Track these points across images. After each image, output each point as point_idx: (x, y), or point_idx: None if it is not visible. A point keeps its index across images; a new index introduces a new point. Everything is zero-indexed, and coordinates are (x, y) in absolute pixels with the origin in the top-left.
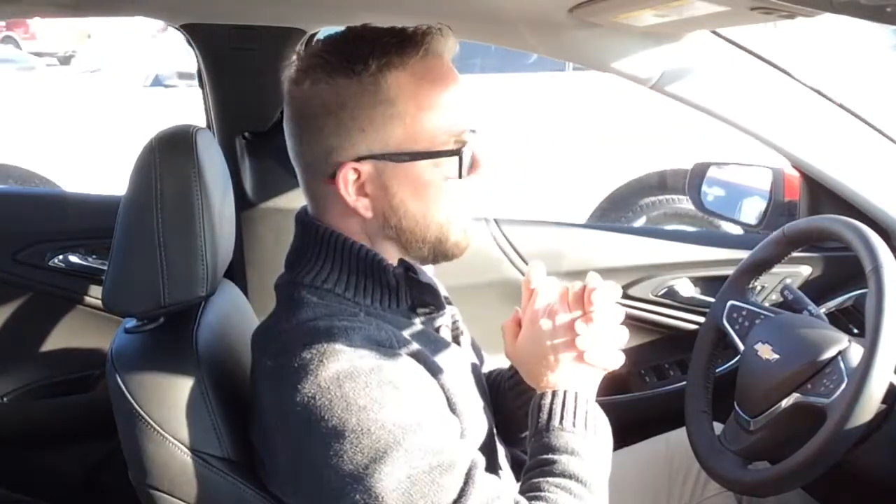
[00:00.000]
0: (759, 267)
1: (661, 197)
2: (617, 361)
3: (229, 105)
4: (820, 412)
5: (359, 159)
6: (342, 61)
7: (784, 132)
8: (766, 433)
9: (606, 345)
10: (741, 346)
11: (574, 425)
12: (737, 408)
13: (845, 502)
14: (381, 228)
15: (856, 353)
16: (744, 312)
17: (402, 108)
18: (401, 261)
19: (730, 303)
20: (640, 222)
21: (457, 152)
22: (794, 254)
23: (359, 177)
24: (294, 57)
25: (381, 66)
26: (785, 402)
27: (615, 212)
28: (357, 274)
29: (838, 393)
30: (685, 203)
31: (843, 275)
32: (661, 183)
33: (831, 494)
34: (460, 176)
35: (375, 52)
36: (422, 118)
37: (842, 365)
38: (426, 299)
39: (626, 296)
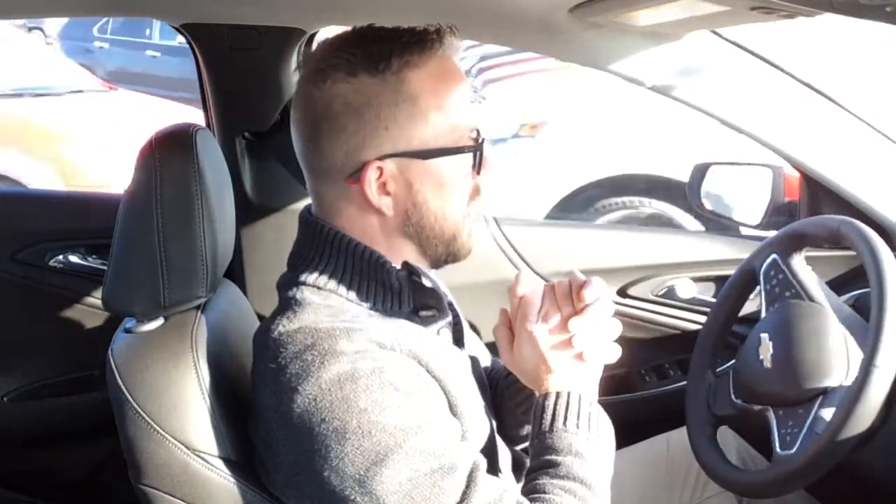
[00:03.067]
0: (802, 240)
1: (620, 199)
2: (614, 355)
3: (229, 105)
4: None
5: (382, 157)
6: (364, 60)
7: (784, 133)
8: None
9: (602, 339)
10: (763, 312)
11: (577, 427)
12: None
13: (846, 502)
14: (400, 226)
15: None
16: (780, 276)
17: (423, 106)
18: (404, 264)
19: (773, 256)
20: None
21: (477, 148)
22: None
23: (380, 175)
24: (306, 56)
25: (402, 65)
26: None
27: (574, 211)
28: (360, 275)
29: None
30: (646, 207)
31: (847, 273)
32: (621, 186)
33: (832, 494)
34: (479, 172)
35: (396, 50)
36: (441, 116)
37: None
38: (428, 302)
39: (626, 296)
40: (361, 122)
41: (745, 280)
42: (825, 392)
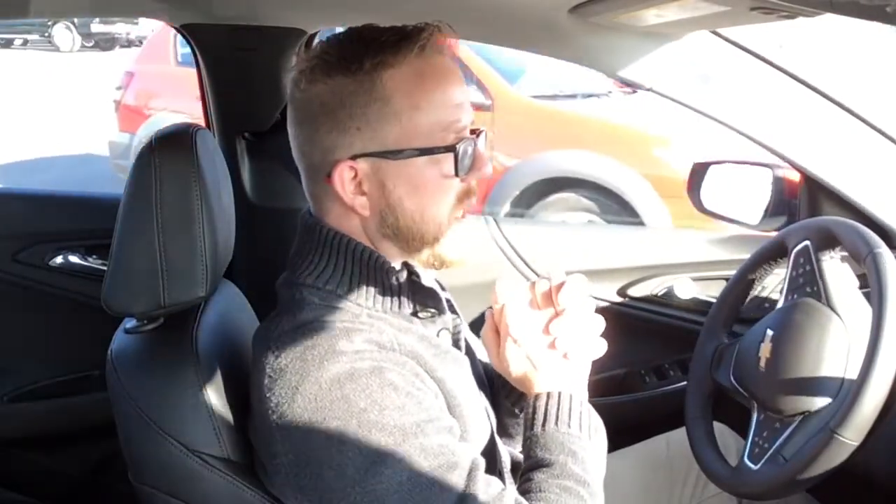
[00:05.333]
0: (834, 241)
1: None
2: (599, 350)
3: (229, 105)
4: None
5: (355, 157)
6: (339, 60)
7: (785, 134)
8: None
9: (585, 337)
10: (782, 297)
11: (569, 426)
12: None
13: (846, 502)
14: (379, 227)
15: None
16: (807, 267)
17: (397, 106)
18: (404, 264)
19: (806, 243)
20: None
21: (451, 149)
22: None
23: (356, 175)
24: (296, 58)
25: (375, 65)
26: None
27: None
28: (360, 276)
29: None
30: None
31: None
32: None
33: (832, 495)
34: (457, 174)
35: (370, 50)
36: (417, 116)
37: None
38: (428, 303)
39: (626, 296)
40: (335, 122)
41: (776, 252)
42: (807, 413)
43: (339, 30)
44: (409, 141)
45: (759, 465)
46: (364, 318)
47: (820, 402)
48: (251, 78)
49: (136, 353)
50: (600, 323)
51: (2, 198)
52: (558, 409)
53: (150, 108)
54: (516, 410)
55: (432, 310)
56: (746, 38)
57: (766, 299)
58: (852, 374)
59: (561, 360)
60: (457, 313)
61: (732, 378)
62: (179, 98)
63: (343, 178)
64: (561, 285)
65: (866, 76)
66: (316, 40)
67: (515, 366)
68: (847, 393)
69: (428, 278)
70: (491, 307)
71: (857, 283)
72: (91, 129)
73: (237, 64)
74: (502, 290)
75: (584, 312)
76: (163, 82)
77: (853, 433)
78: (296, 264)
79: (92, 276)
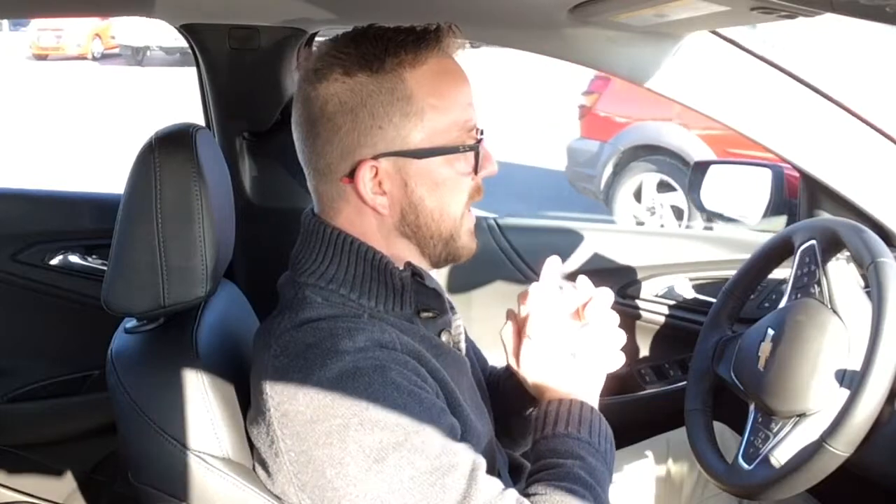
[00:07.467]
0: (840, 245)
1: None
2: (618, 363)
3: (229, 105)
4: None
5: (377, 157)
6: (359, 59)
7: (784, 134)
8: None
9: (606, 351)
10: (786, 293)
11: (580, 432)
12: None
13: (846, 502)
14: (397, 226)
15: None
16: (812, 267)
17: (419, 106)
18: (407, 264)
19: (812, 243)
20: None
21: (474, 148)
22: None
23: (376, 174)
24: (304, 57)
25: (397, 64)
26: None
27: None
28: (363, 276)
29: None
30: None
31: None
32: None
33: (832, 494)
34: (476, 172)
35: (391, 49)
36: (438, 115)
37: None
38: (430, 304)
39: (626, 296)
40: (356, 122)
41: (782, 248)
42: (802, 415)
43: (339, 30)
44: (432, 140)
45: (752, 466)
46: (366, 317)
47: (815, 406)
48: (251, 78)
49: (136, 353)
50: (622, 338)
51: (2, 198)
52: (569, 414)
53: (623, 116)
54: (525, 412)
55: (434, 310)
56: (744, 38)
57: (768, 298)
58: (849, 380)
59: (580, 369)
60: (457, 314)
61: (732, 374)
62: (655, 106)
63: (364, 177)
64: (587, 302)
65: (866, 76)
66: (316, 40)
67: (534, 370)
68: (841, 402)
69: (431, 278)
70: (514, 309)
71: (861, 283)
72: None
73: (237, 64)
74: (533, 296)
75: (608, 327)
76: (638, 88)
77: (844, 445)
78: (298, 263)
79: (92, 276)
